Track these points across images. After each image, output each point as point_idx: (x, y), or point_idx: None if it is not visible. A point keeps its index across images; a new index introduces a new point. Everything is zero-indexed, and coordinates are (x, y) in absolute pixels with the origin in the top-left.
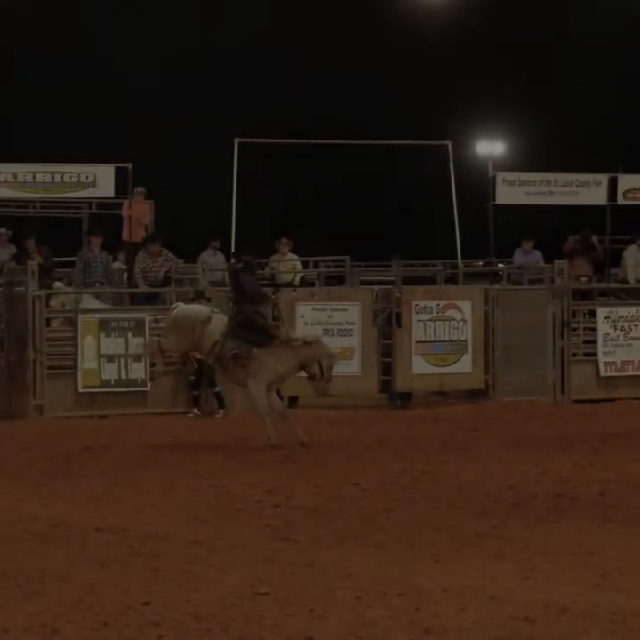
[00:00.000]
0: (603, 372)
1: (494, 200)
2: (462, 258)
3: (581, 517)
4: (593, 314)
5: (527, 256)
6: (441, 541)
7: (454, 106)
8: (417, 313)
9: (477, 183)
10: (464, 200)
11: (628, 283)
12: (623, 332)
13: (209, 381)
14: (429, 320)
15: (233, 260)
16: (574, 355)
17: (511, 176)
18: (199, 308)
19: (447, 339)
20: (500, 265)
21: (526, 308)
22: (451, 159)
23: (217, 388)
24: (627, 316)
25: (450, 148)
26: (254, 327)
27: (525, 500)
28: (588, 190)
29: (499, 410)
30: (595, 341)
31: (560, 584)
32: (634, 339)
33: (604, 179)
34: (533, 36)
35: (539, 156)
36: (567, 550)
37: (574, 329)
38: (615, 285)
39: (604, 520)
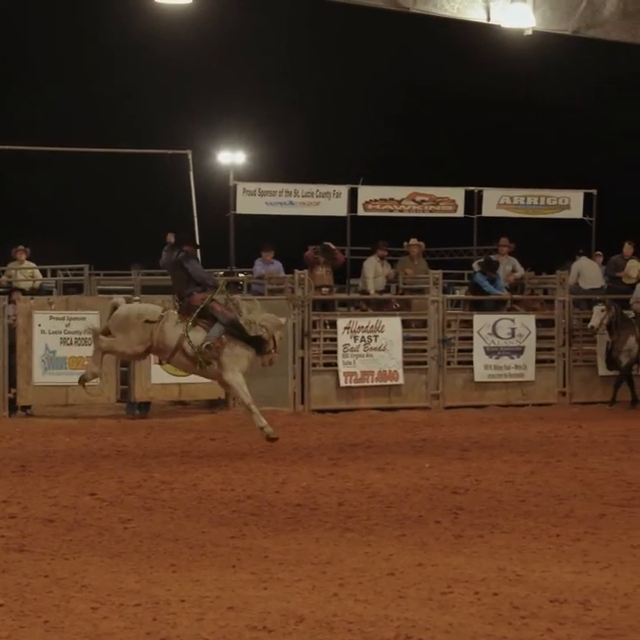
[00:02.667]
0: (343, 383)
1: (235, 210)
2: (203, 267)
3: (320, 527)
4: (333, 324)
5: (267, 266)
6: (179, 551)
7: (195, 115)
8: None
9: (218, 193)
10: (205, 209)
11: (368, 293)
12: (363, 343)
13: None
14: None
15: (171, 251)
16: (314, 365)
17: (252, 186)
18: (151, 306)
19: None
20: (240, 275)
21: None
22: (191, 168)
23: None
24: (367, 327)
25: (190, 157)
26: (215, 316)
27: (264, 510)
28: (328, 201)
29: (239, 420)
30: (335, 352)
31: (298, 593)
32: (374, 349)
33: (344, 190)
34: (273, 47)
35: (280, 166)
36: (305, 560)
37: (314, 339)
38: (355, 296)
39: (342, 530)
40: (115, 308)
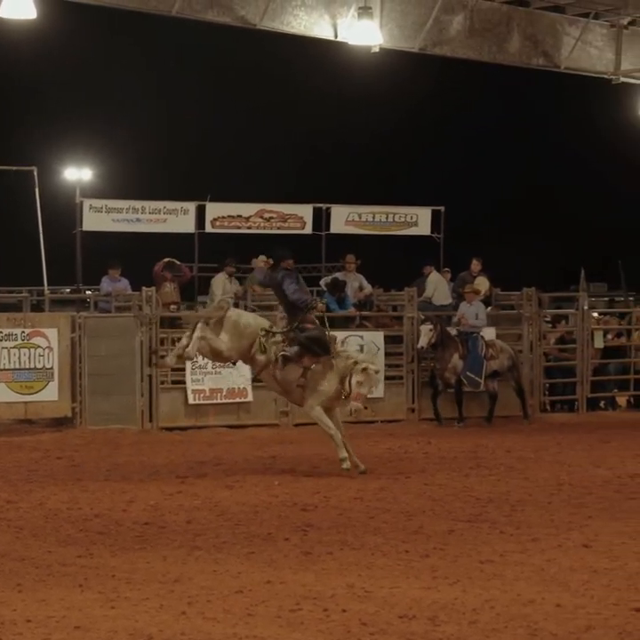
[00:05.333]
0: (191, 400)
1: (82, 227)
2: (49, 284)
3: (168, 545)
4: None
5: (114, 283)
6: (25, 571)
7: (41, 131)
8: (1, 340)
9: (65, 209)
10: (51, 226)
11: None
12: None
13: None
14: (14, 347)
15: (273, 271)
16: (163, 382)
17: (98, 203)
18: (260, 319)
19: (32, 366)
20: (87, 292)
21: (114, 335)
22: (37, 184)
23: None
24: None
25: (36, 173)
26: (310, 336)
27: (112, 529)
28: (176, 218)
29: (86, 438)
30: (183, 369)
31: (146, 612)
32: (222, 367)
33: (191, 206)
34: (121, 63)
35: (127, 183)
36: (153, 578)
37: (162, 357)
38: (204, 313)
39: (191, 548)
40: (223, 309)
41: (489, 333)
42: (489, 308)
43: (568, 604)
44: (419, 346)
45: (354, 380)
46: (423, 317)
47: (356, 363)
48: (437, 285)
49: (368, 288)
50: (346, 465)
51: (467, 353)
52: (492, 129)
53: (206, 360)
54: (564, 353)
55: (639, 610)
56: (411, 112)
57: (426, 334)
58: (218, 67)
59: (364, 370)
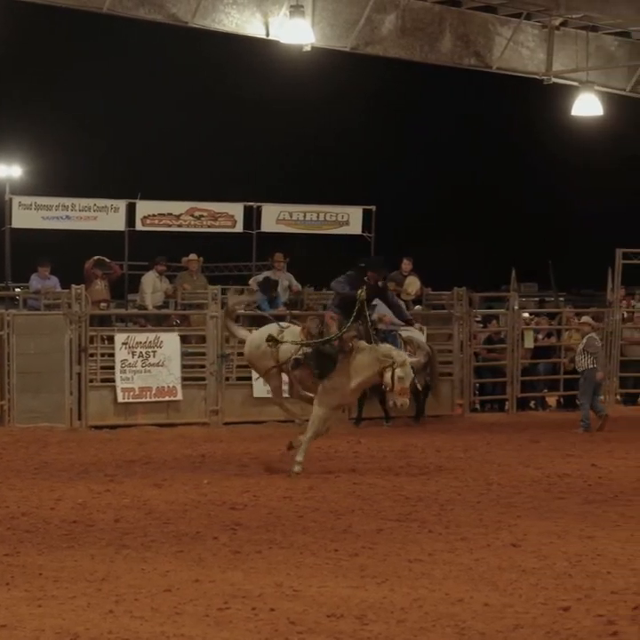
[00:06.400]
0: (120, 398)
1: (11, 224)
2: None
3: (96, 544)
4: (111, 339)
5: (44, 281)
6: None
7: None
8: None
9: None
10: None
11: (146, 308)
12: (141, 359)
13: None
14: None
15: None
16: (92, 381)
17: (27, 200)
18: (265, 330)
19: None
20: (16, 289)
21: (43, 333)
22: None
23: None
24: (145, 343)
25: None
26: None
27: (39, 527)
28: (106, 216)
29: (14, 436)
30: (113, 367)
31: (73, 611)
32: (152, 365)
33: (122, 204)
34: (51, 59)
35: (58, 180)
36: (81, 577)
37: (92, 355)
38: (134, 311)
39: (119, 546)
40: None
41: (418, 334)
42: (419, 307)
43: (496, 603)
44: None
45: (396, 376)
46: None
47: (391, 359)
48: None
49: (297, 286)
50: (297, 468)
51: None
52: (425, 129)
53: (136, 358)
54: (492, 353)
55: (567, 609)
56: (342, 111)
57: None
58: (149, 64)
59: (403, 364)
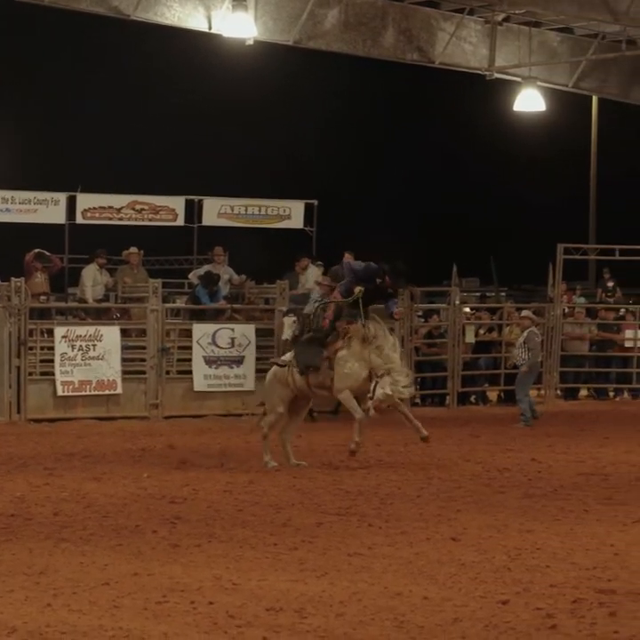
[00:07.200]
0: (60, 392)
1: None
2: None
3: (35, 537)
4: (51, 333)
5: None
6: None
7: None
8: None
9: None
10: None
11: (86, 302)
12: (81, 352)
13: None
14: None
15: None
16: (31, 374)
17: None
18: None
19: None
20: None
21: None
22: None
23: None
24: (85, 336)
25: None
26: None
27: None
28: (46, 208)
29: None
30: (52, 360)
31: (11, 604)
32: (92, 358)
33: (62, 197)
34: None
35: None
36: (19, 570)
37: (31, 348)
38: (74, 304)
39: (57, 540)
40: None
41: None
42: None
43: (435, 596)
44: (283, 338)
45: (379, 389)
46: (285, 310)
47: (390, 372)
48: (308, 278)
49: (239, 277)
50: (353, 446)
51: None
52: (367, 123)
53: (76, 351)
54: (432, 348)
55: (506, 602)
56: (284, 105)
57: (289, 326)
58: (89, 55)
59: (388, 374)
